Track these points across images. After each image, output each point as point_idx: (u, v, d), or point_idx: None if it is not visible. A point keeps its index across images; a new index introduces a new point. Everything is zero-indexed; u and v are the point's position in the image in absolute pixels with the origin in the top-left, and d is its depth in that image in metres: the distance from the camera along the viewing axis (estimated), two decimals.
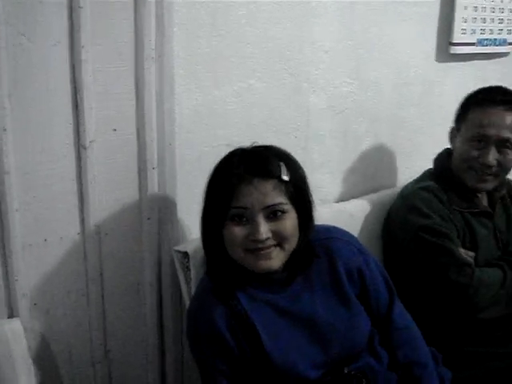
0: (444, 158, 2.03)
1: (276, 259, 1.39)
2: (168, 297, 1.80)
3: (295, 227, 1.40)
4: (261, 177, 1.35)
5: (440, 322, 1.85)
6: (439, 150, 2.08)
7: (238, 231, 1.37)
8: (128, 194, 1.69)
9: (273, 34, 1.88)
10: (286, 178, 1.36)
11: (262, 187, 1.35)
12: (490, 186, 1.94)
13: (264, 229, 1.35)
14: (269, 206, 1.35)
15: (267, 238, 1.36)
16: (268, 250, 1.37)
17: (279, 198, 1.36)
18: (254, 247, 1.37)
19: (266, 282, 1.45)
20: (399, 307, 1.58)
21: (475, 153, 1.89)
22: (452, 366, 1.65)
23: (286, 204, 1.37)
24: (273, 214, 1.36)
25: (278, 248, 1.39)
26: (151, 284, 1.77)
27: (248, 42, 1.83)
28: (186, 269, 1.68)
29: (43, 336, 1.62)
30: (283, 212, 1.37)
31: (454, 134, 2.00)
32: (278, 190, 1.36)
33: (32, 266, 1.56)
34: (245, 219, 1.36)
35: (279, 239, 1.38)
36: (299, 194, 1.41)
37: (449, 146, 2.05)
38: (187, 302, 1.69)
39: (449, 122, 2.03)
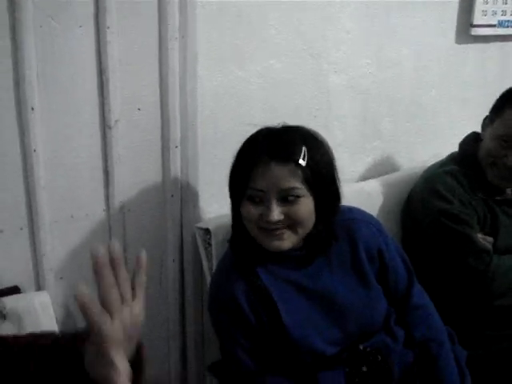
0: (470, 143, 2.00)
1: (287, 240, 1.42)
2: (190, 272, 1.84)
3: (310, 212, 1.42)
4: (278, 160, 1.37)
5: (456, 304, 1.86)
6: (458, 132, 2.07)
7: (253, 210, 1.40)
8: (151, 172, 1.72)
9: (295, 15, 1.90)
10: (303, 162, 1.37)
11: (278, 171, 1.37)
12: (510, 184, 1.93)
13: (276, 212, 1.37)
14: (283, 190, 1.37)
15: (278, 221, 1.38)
16: (279, 231, 1.40)
17: (294, 183, 1.37)
18: (267, 227, 1.40)
19: (286, 259, 1.48)
20: (417, 287, 1.60)
21: (502, 152, 1.85)
22: (467, 345, 1.67)
23: (301, 189, 1.38)
24: (286, 197, 1.38)
25: (290, 231, 1.41)
26: (173, 260, 1.81)
27: (270, 23, 1.84)
28: (208, 245, 1.72)
29: (68, 309, 1.67)
30: (297, 196, 1.38)
31: (486, 123, 1.95)
32: (293, 175, 1.37)
33: (59, 241, 1.60)
34: (259, 199, 1.39)
35: (291, 222, 1.40)
36: (318, 179, 1.41)
37: (474, 130, 2.03)
38: (208, 278, 1.73)
39: (469, 103, 2.02)
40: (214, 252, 1.70)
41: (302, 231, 1.43)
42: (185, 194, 1.77)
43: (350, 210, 1.58)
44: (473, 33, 2.44)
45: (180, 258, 1.83)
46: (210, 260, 1.73)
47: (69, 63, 1.52)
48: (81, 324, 1.65)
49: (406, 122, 2.37)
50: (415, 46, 2.31)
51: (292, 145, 1.39)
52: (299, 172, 1.37)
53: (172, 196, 1.75)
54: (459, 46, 2.46)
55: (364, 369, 1.46)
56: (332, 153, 1.47)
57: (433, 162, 2.08)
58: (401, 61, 2.27)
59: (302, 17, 1.92)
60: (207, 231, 1.71)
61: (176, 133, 1.70)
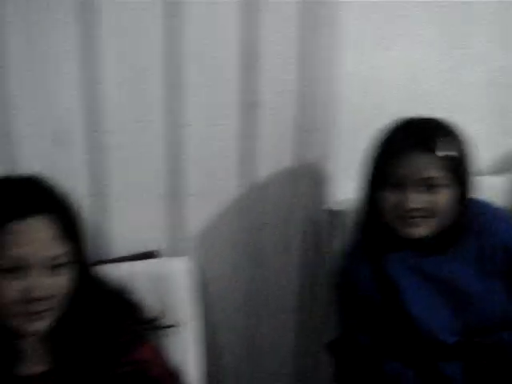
0: None
1: (422, 228, 1.43)
2: (313, 251, 1.88)
3: (448, 202, 1.42)
4: (419, 150, 1.39)
5: None
6: None
7: (391, 197, 1.43)
8: (288, 151, 1.77)
9: (434, 7, 1.89)
10: (445, 153, 1.39)
11: (419, 160, 1.39)
12: None
13: (412, 200, 1.40)
14: (423, 179, 1.39)
15: (416, 209, 1.40)
16: (416, 219, 1.42)
17: (435, 172, 1.39)
18: (403, 214, 1.42)
19: (416, 246, 1.49)
20: None
21: None
22: None
23: (442, 178, 1.40)
24: (426, 186, 1.40)
25: (426, 219, 1.42)
26: (300, 237, 1.85)
27: (409, 12, 1.85)
28: (336, 227, 1.76)
29: (203, 277, 1.73)
30: (437, 186, 1.40)
31: None
32: (435, 165, 1.39)
33: (200, 213, 1.70)
34: (399, 187, 1.41)
35: (429, 211, 1.42)
36: (458, 170, 1.42)
37: None
38: (331, 258, 1.76)
39: None
40: (342, 234, 1.74)
41: (439, 221, 1.44)
42: (317, 176, 1.81)
43: (483, 204, 1.57)
44: None
45: (305, 236, 1.86)
46: (334, 240, 1.77)
47: (220, 41, 1.61)
48: (211, 293, 1.75)
49: None
50: None
51: (432, 135, 1.41)
52: (440, 162, 1.39)
53: (304, 176, 1.80)
54: None
55: (483, 362, 1.47)
56: (469, 146, 1.47)
57: None
58: None
59: (440, 8, 1.90)
60: (336, 213, 1.76)
61: (315, 116, 1.75)
